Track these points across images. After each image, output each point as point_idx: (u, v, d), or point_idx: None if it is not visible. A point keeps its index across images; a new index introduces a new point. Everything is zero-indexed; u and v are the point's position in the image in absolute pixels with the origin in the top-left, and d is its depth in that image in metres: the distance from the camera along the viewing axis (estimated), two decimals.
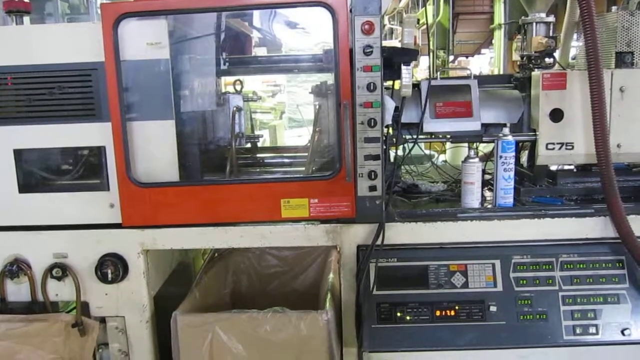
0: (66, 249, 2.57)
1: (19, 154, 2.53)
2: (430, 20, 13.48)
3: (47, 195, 2.57)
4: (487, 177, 2.84)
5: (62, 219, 2.56)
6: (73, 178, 2.58)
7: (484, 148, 3.02)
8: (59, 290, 2.60)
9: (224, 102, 3.04)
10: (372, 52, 2.30)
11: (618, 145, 2.51)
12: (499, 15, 13.83)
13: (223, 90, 3.18)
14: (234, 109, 2.99)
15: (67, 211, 2.55)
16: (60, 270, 2.54)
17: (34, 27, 2.57)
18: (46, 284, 2.58)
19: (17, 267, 2.56)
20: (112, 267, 2.52)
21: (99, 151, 2.50)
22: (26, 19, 2.62)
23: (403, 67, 2.39)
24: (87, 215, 2.55)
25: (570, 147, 2.55)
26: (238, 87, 3.17)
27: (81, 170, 2.58)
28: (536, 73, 2.60)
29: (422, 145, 2.90)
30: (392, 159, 2.72)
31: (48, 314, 2.59)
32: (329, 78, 2.74)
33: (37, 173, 2.59)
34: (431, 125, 2.67)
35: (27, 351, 2.48)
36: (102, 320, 2.62)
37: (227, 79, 3.29)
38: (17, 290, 2.60)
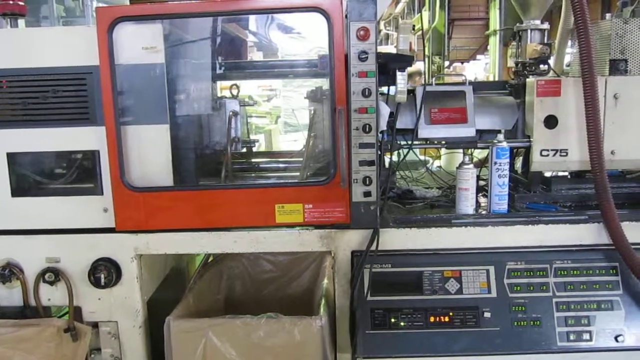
0: (59, 254, 2.55)
1: (12, 157, 2.51)
2: (425, 26, 13.52)
3: (40, 199, 2.56)
4: (482, 183, 2.84)
5: (55, 223, 2.55)
6: (66, 182, 2.57)
7: (479, 154, 3.03)
8: (52, 295, 2.59)
9: (220, 106, 3.04)
10: (367, 58, 2.31)
11: (612, 152, 2.52)
12: (494, 22, 13.88)
13: (219, 95, 3.18)
14: (230, 113, 2.98)
15: (60, 215, 2.54)
16: (52, 274, 2.53)
17: (29, 30, 2.57)
18: (38, 288, 2.57)
19: (9, 272, 2.54)
20: (105, 272, 2.51)
21: (93, 155, 2.49)
22: (21, 21, 2.61)
23: (398, 73, 2.40)
24: (80, 220, 2.54)
25: (565, 154, 2.56)
26: (234, 92, 3.16)
27: (75, 174, 2.57)
28: (531, 80, 2.61)
29: (417, 151, 2.90)
30: (386, 165, 2.72)
31: (40, 319, 2.57)
32: (324, 83, 2.74)
33: (30, 177, 2.58)
34: (426, 131, 2.67)
35: (19, 356, 2.46)
36: (95, 325, 2.61)
37: (223, 84, 3.29)
38: (9, 295, 2.59)
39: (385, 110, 2.51)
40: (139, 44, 2.39)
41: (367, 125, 2.35)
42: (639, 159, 2.58)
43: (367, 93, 2.33)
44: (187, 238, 2.53)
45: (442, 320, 2.42)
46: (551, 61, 2.82)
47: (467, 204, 2.59)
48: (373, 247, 2.41)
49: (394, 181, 2.94)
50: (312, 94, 2.88)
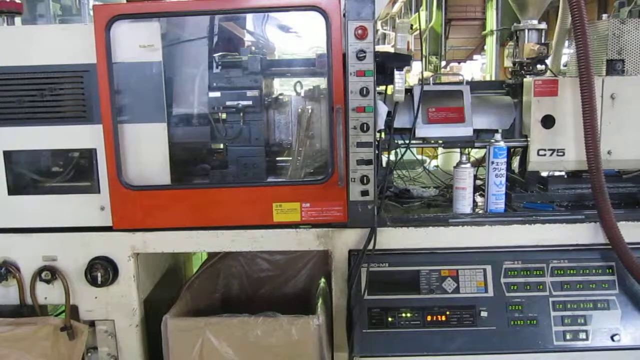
0: (56, 252, 2.54)
1: (8, 155, 2.50)
2: (423, 26, 13.55)
3: (37, 198, 2.55)
4: (479, 182, 2.85)
5: (52, 221, 2.54)
6: (63, 180, 2.56)
7: (476, 154, 3.03)
8: (48, 294, 2.58)
9: (285, 104, 2.89)
10: (365, 57, 2.31)
11: (608, 152, 2.53)
12: (491, 22, 13.92)
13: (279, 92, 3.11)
14: (299, 110, 2.88)
15: (57, 214, 2.53)
16: (49, 273, 2.52)
17: (26, 28, 2.55)
18: (35, 287, 2.56)
19: (6, 270, 2.53)
20: (102, 271, 2.50)
21: (90, 153, 2.48)
22: (17, 19, 2.60)
23: (396, 72, 2.40)
24: (77, 218, 2.53)
25: (561, 154, 2.56)
26: (298, 89, 3.02)
27: (72, 172, 2.56)
28: (528, 79, 2.61)
29: (414, 150, 2.90)
30: (384, 164, 2.72)
31: (37, 318, 2.56)
32: (321, 82, 2.74)
33: (27, 175, 2.57)
34: (423, 130, 2.67)
35: (15, 355, 2.45)
36: (92, 323, 2.60)
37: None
38: (6, 293, 2.58)
39: (383, 110, 2.51)
40: (137, 42, 2.39)
41: (365, 124, 2.35)
42: (635, 159, 2.60)
43: (364, 92, 2.33)
44: (184, 237, 2.53)
45: (439, 319, 2.42)
46: (548, 61, 2.83)
47: (464, 203, 2.59)
48: (370, 246, 2.41)
49: (391, 180, 2.94)
50: (309, 93, 2.88)
